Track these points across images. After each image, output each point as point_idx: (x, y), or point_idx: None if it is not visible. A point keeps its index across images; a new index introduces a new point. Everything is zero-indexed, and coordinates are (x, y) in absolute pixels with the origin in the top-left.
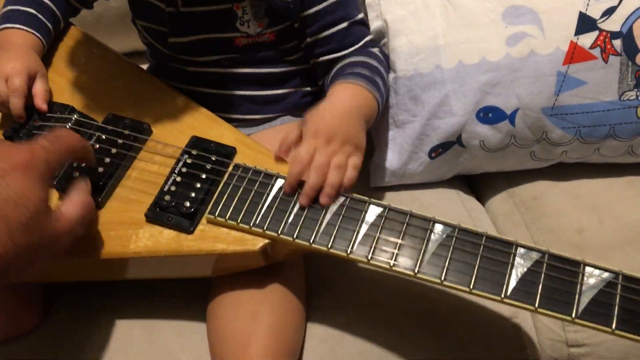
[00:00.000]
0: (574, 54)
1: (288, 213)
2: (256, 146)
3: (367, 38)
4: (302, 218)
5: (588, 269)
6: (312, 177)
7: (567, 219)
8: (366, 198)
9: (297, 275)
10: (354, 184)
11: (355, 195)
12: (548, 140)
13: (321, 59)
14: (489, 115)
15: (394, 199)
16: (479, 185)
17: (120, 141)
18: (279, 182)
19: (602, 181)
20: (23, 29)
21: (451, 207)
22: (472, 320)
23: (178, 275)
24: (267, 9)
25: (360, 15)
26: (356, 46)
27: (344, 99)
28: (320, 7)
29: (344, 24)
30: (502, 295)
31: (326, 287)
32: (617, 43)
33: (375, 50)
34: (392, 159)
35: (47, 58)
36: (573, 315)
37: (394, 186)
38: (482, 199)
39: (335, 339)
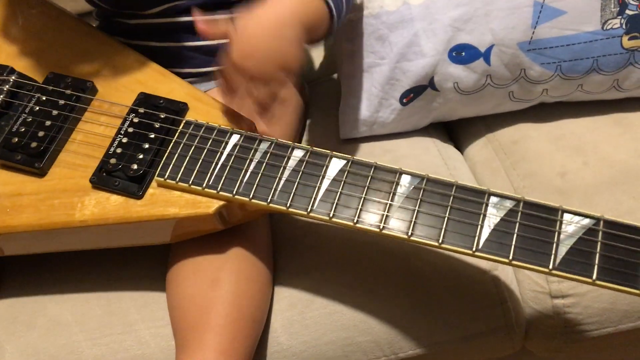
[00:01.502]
0: None
1: (244, 171)
2: (209, 101)
3: None
4: (259, 176)
5: (567, 216)
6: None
7: (549, 162)
8: (327, 151)
9: (262, 236)
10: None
11: (316, 148)
12: (527, 79)
13: None
14: (462, 54)
15: (365, 151)
16: (457, 132)
17: (61, 102)
18: (234, 139)
19: (587, 120)
20: None
21: (427, 157)
22: (448, 275)
23: (133, 243)
24: None
25: None
26: None
27: (278, 4)
28: None
29: None
30: (474, 249)
31: (293, 246)
32: None
33: None
34: (361, 106)
35: None
36: (550, 266)
37: (366, 138)
38: (460, 146)
39: (304, 302)
